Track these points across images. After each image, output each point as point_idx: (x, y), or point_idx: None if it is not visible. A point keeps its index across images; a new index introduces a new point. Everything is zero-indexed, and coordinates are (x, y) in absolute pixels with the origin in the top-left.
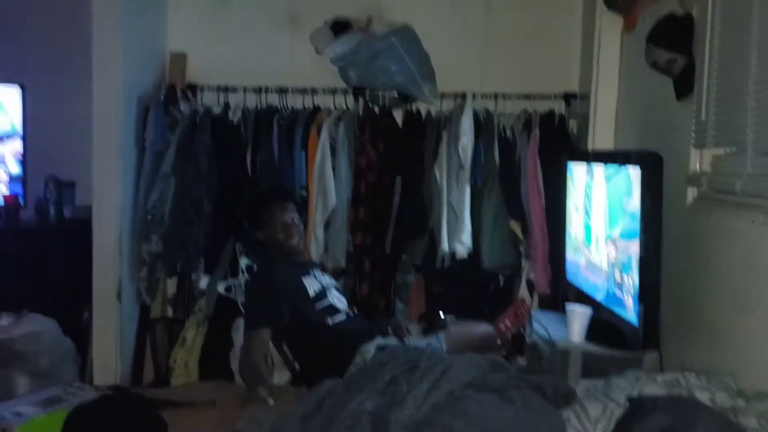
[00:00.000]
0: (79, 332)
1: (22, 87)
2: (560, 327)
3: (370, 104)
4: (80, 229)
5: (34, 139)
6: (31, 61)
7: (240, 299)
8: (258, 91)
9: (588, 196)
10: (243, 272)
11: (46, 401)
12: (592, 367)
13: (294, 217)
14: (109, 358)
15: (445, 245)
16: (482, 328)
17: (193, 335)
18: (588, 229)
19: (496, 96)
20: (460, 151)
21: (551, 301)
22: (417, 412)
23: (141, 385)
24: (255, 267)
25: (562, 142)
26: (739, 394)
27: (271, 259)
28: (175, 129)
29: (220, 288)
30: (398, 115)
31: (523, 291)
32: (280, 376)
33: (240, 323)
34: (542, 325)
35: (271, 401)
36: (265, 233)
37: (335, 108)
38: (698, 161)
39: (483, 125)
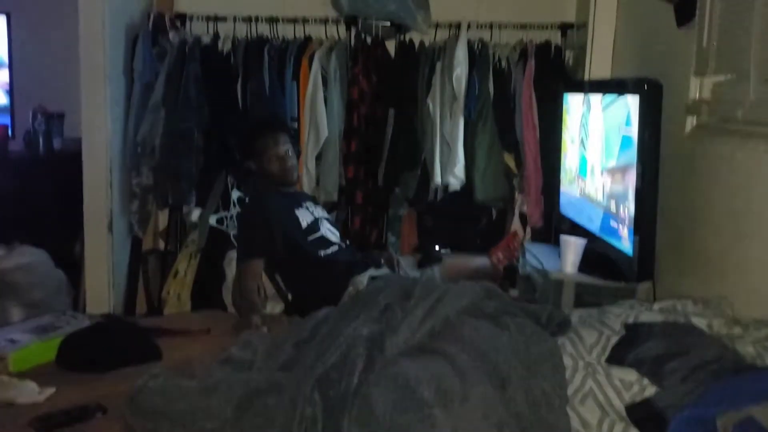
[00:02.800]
0: (71, 264)
1: (8, 16)
2: (553, 259)
3: (363, 34)
4: (70, 161)
5: (21, 69)
6: None
7: (232, 231)
8: (248, 20)
9: (584, 126)
10: (235, 204)
11: (40, 328)
12: (585, 298)
13: (288, 149)
14: (102, 289)
15: (438, 178)
16: (477, 261)
17: (185, 267)
18: (583, 160)
19: (491, 26)
20: (454, 83)
21: (544, 233)
22: (412, 337)
23: (134, 316)
24: (247, 199)
25: (557, 73)
26: (735, 322)
27: (263, 190)
28: (163, 59)
29: (212, 220)
30: (391, 46)
31: (515, 224)
32: (273, 307)
33: (232, 255)
34: (535, 256)
35: (264, 329)
36: (258, 164)
37: (327, 38)
38: (698, 89)
39: (477, 56)
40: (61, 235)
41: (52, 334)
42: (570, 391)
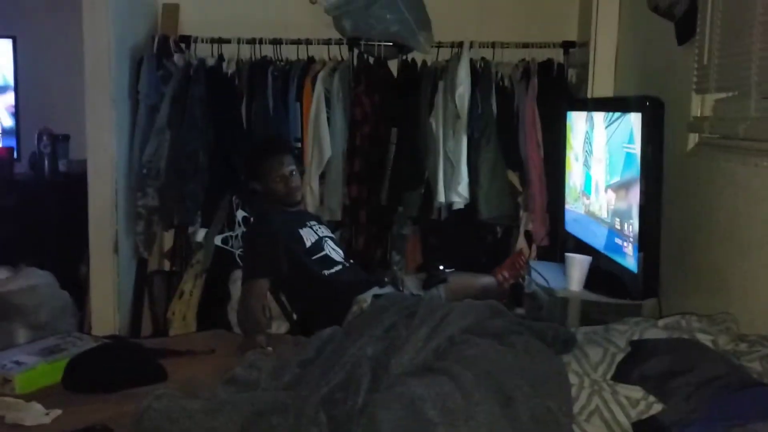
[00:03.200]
0: (76, 286)
1: (14, 39)
2: (559, 277)
3: (365, 55)
4: (76, 183)
5: (26, 91)
6: (23, 13)
7: (237, 251)
8: (252, 42)
9: (588, 144)
10: (240, 224)
11: (46, 350)
12: (590, 316)
13: (292, 169)
14: (107, 311)
15: (441, 196)
16: (483, 279)
17: (190, 288)
18: (588, 178)
19: (493, 45)
20: (457, 101)
21: (549, 252)
22: (417, 356)
23: (139, 338)
24: (252, 219)
25: (560, 91)
26: (740, 338)
27: (268, 210)
28: (168, 81)
29: (218, 240)
30: (393, 66)
31: (521, 242)
32: (278, 326)
33: (237, 275)
34: (541, 274)
35: (269, 349)
36: (263, 184)
37: (330, 59)
38: (700, 107)
39: (480, 74)
40: (67, 256)
41: (57, 355)
42: (576, 408)
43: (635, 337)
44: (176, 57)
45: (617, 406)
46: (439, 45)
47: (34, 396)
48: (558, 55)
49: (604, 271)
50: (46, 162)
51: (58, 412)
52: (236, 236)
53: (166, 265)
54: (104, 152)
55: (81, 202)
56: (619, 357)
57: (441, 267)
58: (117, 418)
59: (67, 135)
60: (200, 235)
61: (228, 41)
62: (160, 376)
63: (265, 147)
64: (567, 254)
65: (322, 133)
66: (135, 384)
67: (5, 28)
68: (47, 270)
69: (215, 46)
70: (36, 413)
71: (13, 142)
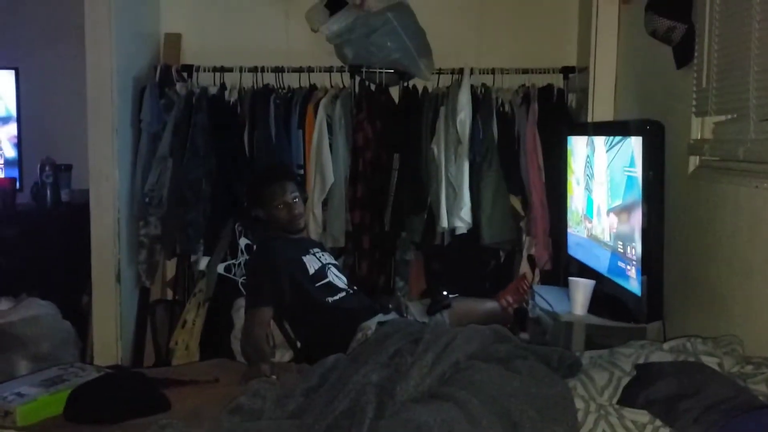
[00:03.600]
0: (78, 316)
1: (16, 70)
2: (562, 301)
3: (367, 82)
4: (78, 213)
5: (29, 122)
6: (25, 44)
7: (240, 279)
8: (254, 70)
9: (589, 168)
10: (243, 252)
11: (48, 381)
12: (595, 340)
13: (295, 196)
14: (110, 341)
15: (444, 221)
16: (486, 304)
17: (193, 317)
18: (590, 201)
19: (493, 71)
20: (458, 127)
21: (552, 276)
22: (422, 383)
23: (142, 368)
24: (255, 246)
25: (560, 115)
26: (746, 360)
27: (271, 238)
28: (171, 110)
29: (220, 269)
30: (395, 92)
31: (524, 266)
32: (282, 354)
33: (240, 304)
34: (545, 299)
35: (274, 377)
36: (266, 212)
37: (332, 86)
38: (699, 129)
39: (481, 100)
40: (69, 286)
41: (59, 386)
42: None
43: (640, 361)
44: (178, 86)
45: (624, 431)
46: (440, 72)
47: (36, 428)
48: (558, 81)
49: (607, 295)
50: (49, 192)
51: None
52: (239, 264)
53: (169, 294)
54: (106, 181)
55: (83, 231)
56: (625, 381)
57: (445, 293)
58: None
59: (70, 165)
60: (203, 263)
61: (230, 70)
62: (163, 406)
63: (268, 174)
64: (570, 278)
65: (325, 160)
66: (138, 414)
67: (8, 59)
68: (49, 300)
69: (217, 74)
70: None
71: (15, 173)
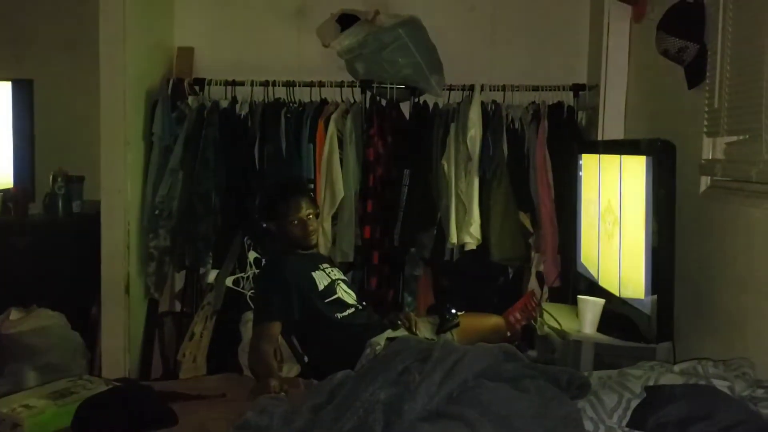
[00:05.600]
0: (87, 327)
1: (30, 82)
2: (571, 319)
3: (378, 97)
4: (89, 224)
5: (43, 133)
6: (39, 56)
7: (248, 293)
8: (265, 84)
9: (599, 187)
10: (251, 266)
11: (56, 394)
12: (604, 359)
13: (310, 212)
14: (118, 352)
15: (453, 237)
16: (493, 320)
17: (201, 329)
18: (599, 220)
19: (503, 88)
20: (469, 143)
21: (561, 293)
22: (430, 401)
23: (150, 380)
24: (264, 260)
25: (571, 133)
26: (757, 383)
27: (281, 252)
28: (182, 123)
29: (229, 282)
30: (405, 108)
31: (533, 283)
32: (289, 370)
33: (248, 317)
34: (553, 316)
35: (282, 393)
36: (279, 226)
37: (342, 101)
38: (711, 149)
39: (491, 117)
40: (79, 297)
41: (68, 399)
42: None
43: (650, 383)
44: (190, 99)
45: None
46: (451, 88)
47: None
48: (568, 98)
49: (617, 314)
50: (60, 203)
51: None
52: (247, 277)
53: (177, 307)
54: (118, 193)
55: (94, 242)
56: (635, 403)
57: (453, 310)
58: None
59: (82, 176)
60: (211, 276)
61: (242, 83)
62: (171, 420)
63: (284, 189)
64: (579, 296)
65: (335, 175)
66: (145, 429)
67: (22, 71)
68: (59, 311)
69: (229, 88)
70: None
71: (28, 183)
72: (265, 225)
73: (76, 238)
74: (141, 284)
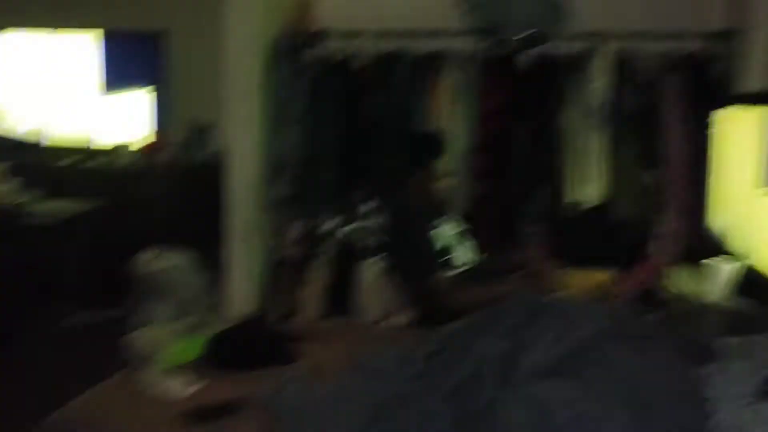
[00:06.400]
0: (214, 268)
1: (167, 33)
2: (698, 283)
3: (498, 46)
4: (216, 172)
5: (176, 84)
6: (175, 7)
7: (363, 243)
8: (383, 35)
9: (739, 143)
10: (365, 216)
11: (186, 329)
12: (734, 326)
13: (446, 171)
14: (240, 294)
15: (572, 194)
16: (609, 280)
17: (318, 276)
18: (738, 178)
19: (632, 36)
20: (592, 96)
21: (689, 255)
22: (546, 356)
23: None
24: (386, 211)
25: (707, 86)
26: None
27: (407, 206)
28: (302, 76)
29: (346, 231)
30: (525, 58)
31: (657, 244)
32: (400, 319)
33: (363, 265)
34: (680, 279)
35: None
36: (416, 179)
37: (461, 51)
38: None
39: (618, 68)
40: (208, 240)
41: (196, 333)
42: (713, 425)
43: None
44: (309, 51)
45: (760, 426)
46: (576, 36)
47: (176, 371)
48: (705, 47)
49: (755, 278)
50: (190, 151)
51: (198, 386)
52: (362, 228)
53: (295, 254)
54: (240, 144)
55: (219, 190)
56: (765, 372)
57: None
58: (252, 396)
59: (210, 127)
60: (329, 225)
61: (360, 34)
62: (290, 359)
63: (435, 144)
64: (710, 260)
65: (452, 128)
66: (268, 365)
67: (157, 23)
68: (189, 253)
69: (347, 39)
70: (178, 387)
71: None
72: (397, 175)
73: (203, 185)
74: (261, 231)
